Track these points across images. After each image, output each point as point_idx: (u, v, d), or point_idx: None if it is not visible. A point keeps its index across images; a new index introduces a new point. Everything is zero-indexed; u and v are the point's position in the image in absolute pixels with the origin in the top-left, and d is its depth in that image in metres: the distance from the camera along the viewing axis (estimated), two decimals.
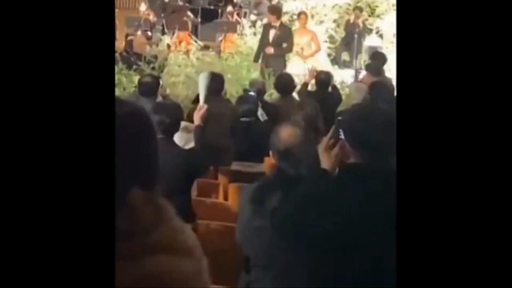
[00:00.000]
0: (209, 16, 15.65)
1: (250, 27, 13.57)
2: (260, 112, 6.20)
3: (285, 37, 10.55)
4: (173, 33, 13.67)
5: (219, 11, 16.23)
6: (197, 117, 4.32)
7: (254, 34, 12.92)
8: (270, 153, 3.28)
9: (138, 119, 1.42)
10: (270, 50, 10.42)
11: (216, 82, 6.88)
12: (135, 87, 7.59)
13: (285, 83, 7.50)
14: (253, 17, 14.14)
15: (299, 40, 11.08)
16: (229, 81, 8.95)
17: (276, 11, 10.97)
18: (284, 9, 12.99)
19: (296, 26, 11.90)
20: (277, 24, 10.55)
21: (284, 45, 10.50)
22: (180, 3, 15.76)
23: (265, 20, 12.25)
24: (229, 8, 15.41)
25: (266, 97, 7.86)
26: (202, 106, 4.43)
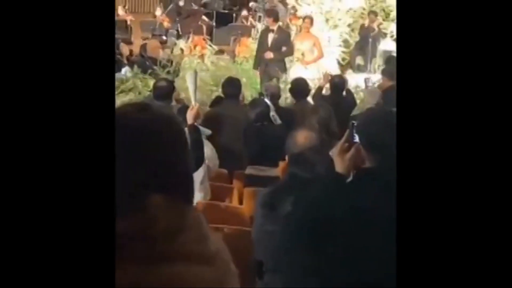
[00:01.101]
0: (223, 20, 15.71)
1: None
2: (272, 114, 6.21)
3: (284, 40, 10.34)
4: (188, 37, 13.72)
5: (234, 15, 16.28)
6: (189, 117, 4.34)
7: None
8: (286, 157, 3.28)
9: (169, 125, 1.41)
10: (270, 55, 10.15)
11: (233, 86, 6.91)
12: (150, 91, 7.62)
13: (299, 87, 7.50)
14: None
15: (300, 45, 10.85)
16: (243, 85, 8.96)
17: (273, 14, 10.80)
18: (299, 14, 12.99)
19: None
20: (275, 27, 10.34)
21: (284, 48, 10.29)
22: (195, 7, 15.82)
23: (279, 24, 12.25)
24: (244, 12, 15.47)
25: (281, 101, 7.87)
26: (193, 105, 4.45)
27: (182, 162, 1.42)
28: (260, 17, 14.94)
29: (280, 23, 11.82)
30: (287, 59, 10.63)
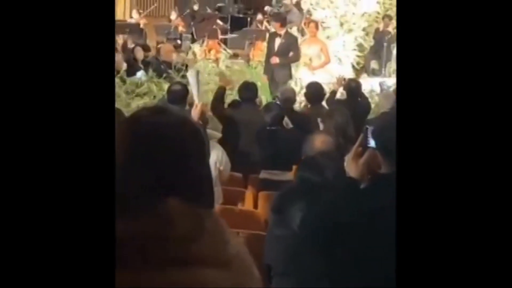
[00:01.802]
0: (238, 24, 15.73)
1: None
2: (285, 120, 6.22)
3: (291, 45, 10.14)
4: (203, 41, 13.75)
5: (248, 19, 16.29)
6: (194, 115, 4.34)
7: None
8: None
9: (186, 128, 1.42)
10: (276, 60, 9.95)
11: (249, 90, 6.94)
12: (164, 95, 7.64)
13: (314, 92, 7.48)
14: None
15: (307, 50, 10.58)
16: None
17: (280, 18, 10.66)
18: (313, 18, 12.98)
19: (325, 34, 11.87)
20: (282, 32, 10.12)
21: (291, 54, 10.08)
22: (210, 11, 15.86)
23: (294, 29, 12.23)
24: (259, 17, 15.48)
25: (296, 105, 7.87)
26: (197, 104, 4.45)
27: (200, 166, 1.42)
28: None
29: (294, 28, 11.77)
30: (292, 65, 10.44)
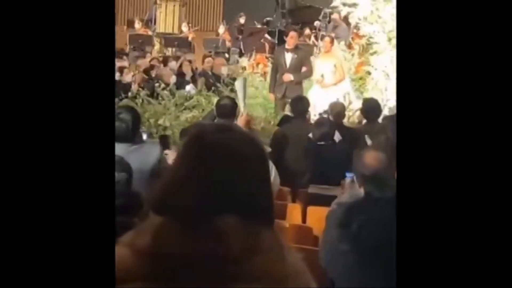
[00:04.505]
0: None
1: None
2: (336, 136, 6.21)
3: (303, 60, 9.50)
4: (251, 55, 13.81)
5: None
6: (240, 124, 4.33)
7: None
8: (354, 177, 3.27)
9: (252, 147, 1.43)
10: (289, 77, 9.17)
11: (301, 104, 6.95)
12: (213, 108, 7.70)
13: (371, 108, 7.34)
14: None
15: (321, 66, 10.02)
16: None
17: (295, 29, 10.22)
18: (361, 33, 12.92)
19: (373, 49, 11.80)
20: (291, 46, 9.46)
21: (303, 69, 9.40)
22: (258, 25, 15.92)
23: (342, 43, 12.17)
24: (307, 31, 15.45)
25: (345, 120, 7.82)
26: (243, 112, 4.42)
27: (262, 184, 1.42)
28: (323, 36, 14.91)
29: (342, 43, 11.63)
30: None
